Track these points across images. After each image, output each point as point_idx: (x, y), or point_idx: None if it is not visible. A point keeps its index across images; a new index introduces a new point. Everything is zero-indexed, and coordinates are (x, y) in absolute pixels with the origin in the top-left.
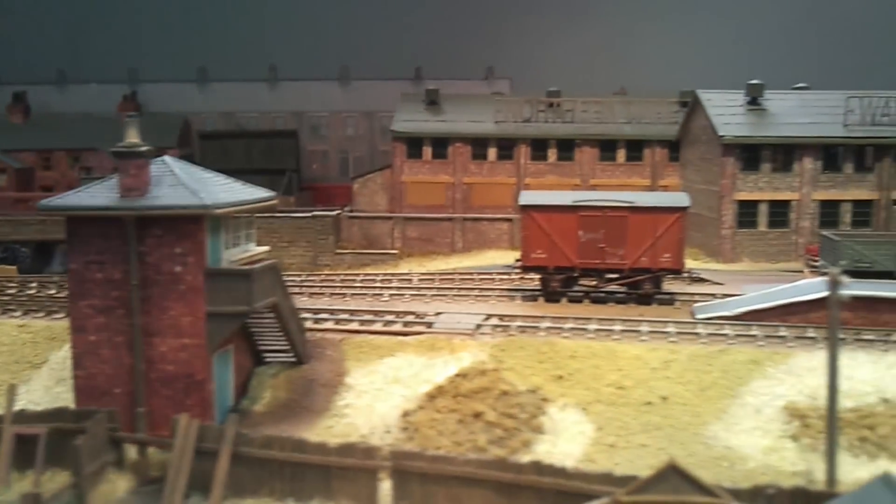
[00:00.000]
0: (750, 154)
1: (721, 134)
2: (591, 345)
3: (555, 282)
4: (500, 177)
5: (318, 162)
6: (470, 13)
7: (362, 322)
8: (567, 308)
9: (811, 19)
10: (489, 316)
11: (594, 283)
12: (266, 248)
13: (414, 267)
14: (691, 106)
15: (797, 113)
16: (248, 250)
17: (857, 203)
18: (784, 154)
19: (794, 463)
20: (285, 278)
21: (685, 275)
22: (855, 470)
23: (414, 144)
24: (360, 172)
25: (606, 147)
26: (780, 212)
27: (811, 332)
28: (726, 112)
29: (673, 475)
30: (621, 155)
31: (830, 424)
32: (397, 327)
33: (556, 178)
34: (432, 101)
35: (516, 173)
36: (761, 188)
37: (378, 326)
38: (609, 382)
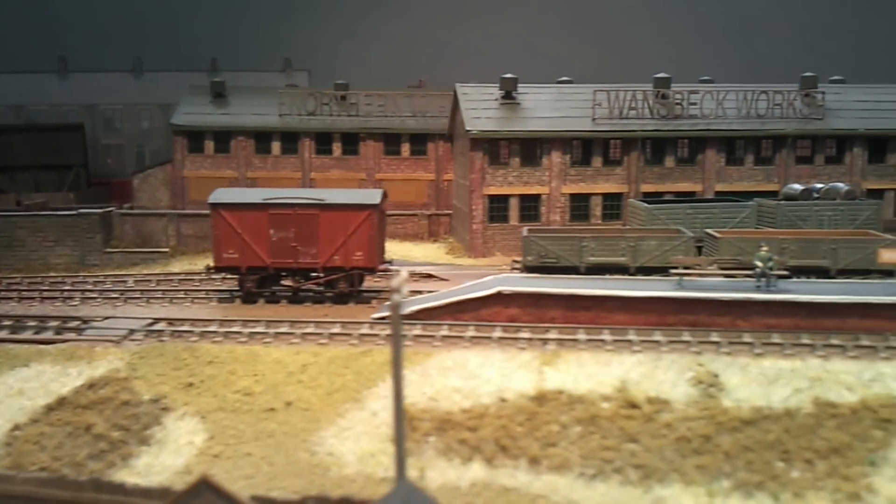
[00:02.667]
0: (499, 148)
1: (468, 128)
2: (235, 349)
3: (249, 282)
4: (286, 171)
5: (112, 156)
6: (268, 2)
7: (13, 329)
8: (260, 310)
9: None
10: (157, 320)
11: (291, 283)
12: None
13: (184, 265)
14: (454, 100)
15: (548, 107)
16: None
17: (607, 196)
18: (532, 148)
19: (388, 468)
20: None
21: (379, 273)
22: (444, 474)
23: (195, 138)
24: (153, 166)
25: (391, 141)
26: (530, 206)
27: (471, 331)
28: (479, 106)
29: (206, 490)
30: (406, 149)
31: (398, 431)
32: (47, 335)
33: (341, 172)
34: (219, 94)
35: (301, 167)
36: (511, 182)
37: (27, 334)
38: (239, 389)
